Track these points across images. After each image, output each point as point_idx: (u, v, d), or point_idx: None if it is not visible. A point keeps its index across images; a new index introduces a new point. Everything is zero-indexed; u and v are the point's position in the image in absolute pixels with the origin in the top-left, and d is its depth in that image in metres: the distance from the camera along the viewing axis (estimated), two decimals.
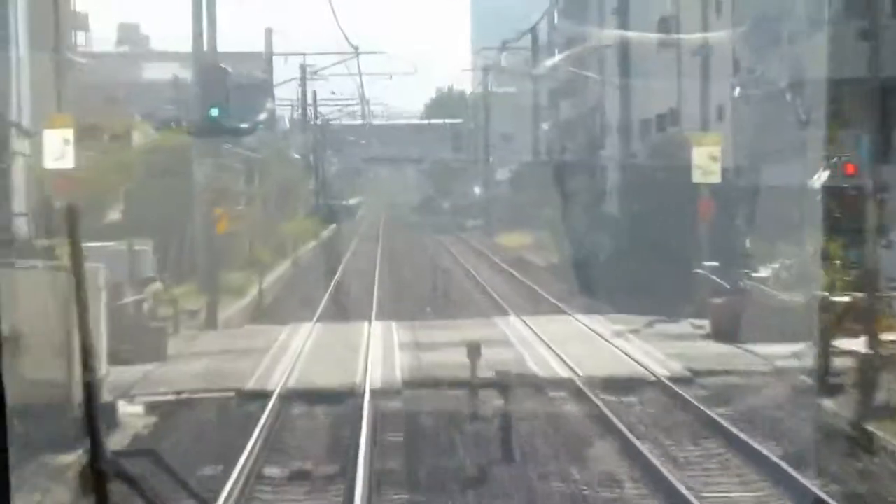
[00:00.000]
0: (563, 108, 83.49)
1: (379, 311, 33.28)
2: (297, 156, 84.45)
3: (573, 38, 73.84)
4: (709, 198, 33.45)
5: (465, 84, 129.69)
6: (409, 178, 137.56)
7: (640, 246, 41.00)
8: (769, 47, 40.24)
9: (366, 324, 29.99)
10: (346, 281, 42.36)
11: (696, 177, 33.03)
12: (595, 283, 38.09)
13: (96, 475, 4.31)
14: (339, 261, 50.51)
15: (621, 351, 25.24)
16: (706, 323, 28.42)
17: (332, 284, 40.67)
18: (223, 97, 32.00)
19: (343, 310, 34.34)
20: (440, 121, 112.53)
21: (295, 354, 25.24)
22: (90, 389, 4.50)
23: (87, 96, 45.83)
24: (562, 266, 45.09)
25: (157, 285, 29.27)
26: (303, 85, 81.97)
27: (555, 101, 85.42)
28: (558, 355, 24.17)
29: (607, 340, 26.83)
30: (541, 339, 26.67)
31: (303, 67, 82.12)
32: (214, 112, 31.76)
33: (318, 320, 31.39)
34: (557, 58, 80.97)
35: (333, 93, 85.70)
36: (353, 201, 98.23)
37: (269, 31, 68.94)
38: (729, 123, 41.98)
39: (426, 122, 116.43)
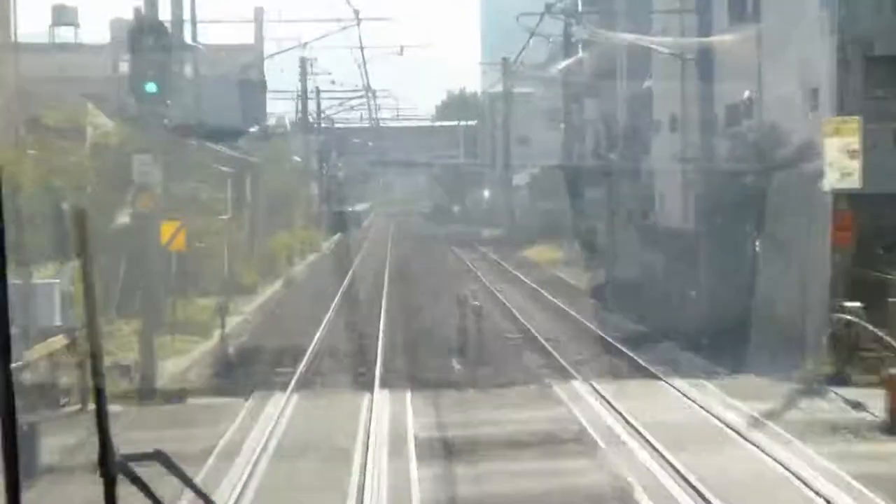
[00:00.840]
0: (588, 106, 73.44)
1: (386, 370, 23.15)
2: (297, 158, 74.57)
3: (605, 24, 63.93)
4: (845, 211, 23.32)
5: (477, 84, 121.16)
6: (420, 183, 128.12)
7: (724, 271, 30.94)
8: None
9: (367, 396, 20.01)
10: (345, 315, 32.33)
11: (832, 180, 22.95)
12: (674, 323, 28.11)
13: (105, 477, 4.18)
14: (339, 283, 40.56)
15: (780, 464, 15.07)
16: (868, 401, 18.45)
17: (325, 322, 30.64)
18: (162, 68, 21.88)
19: (337, 365, 24.30)
20: (452, 123, 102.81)
21: (247, 463, 15.29)
22: (99, 392, 4.22)
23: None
24: (615, 294, 35.10)
25: (57, 340, 19.24)
26: (303, 79, 71.89)
27: (580, 99, 75.37)
28: (685, 478, 14.04)
29: (747, 439, 16.55)
30: (639, 433, 16.55)
31: (302, 60, 72.17)
32: (151, 87, 21.66)
33: (296, 387, 21.29)
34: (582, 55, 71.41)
35: (333, 82, 75.36)
36: (359, 208, 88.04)
37: (259, 11, 58.68)
38: (830, 110, 31.89)
39: (437, 124, 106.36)
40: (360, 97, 76.39)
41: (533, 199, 76.96)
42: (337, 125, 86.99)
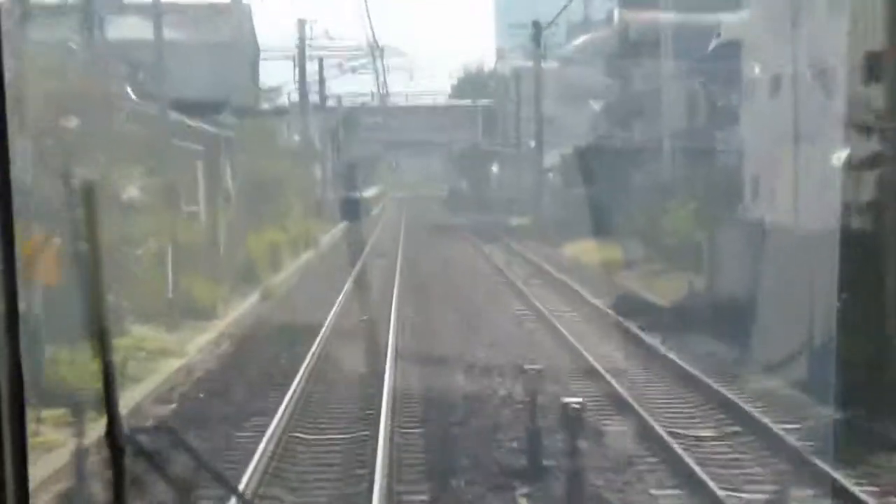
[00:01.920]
0: (640, 72, 61.82)
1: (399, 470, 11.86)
2: (296, 137, 62.97)
3: None
4: None
5: (497, 61, 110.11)
6: (434, 166, 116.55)
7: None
8: None
9: None
10: (334, 368, 20.84)
11: None
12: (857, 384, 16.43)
13: (113, 452, 4.13)
14: (330, 302, 29.16)
15: None
16: None
17: (299, 383, 19.04)
18: None
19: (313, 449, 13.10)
20: (469, 102, 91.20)
21: None
22: (108, 368, 4.19)
23: None
24: (737, 324, 23.31)
25: None
26: (301, 45, 60.08)
27: (627, 64, 63.76)
28: None
29: None
30: None
31: (301, 22, 60.49)
32: None
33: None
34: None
35: (332, 38, 63.44)
36: (367, 194, 76.14)
37: None
38: None
39: (454, 102, 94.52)
40: (365, 56, 64.02)
41: (566, 184, 64.97)
42: (343, 98, 75.09)
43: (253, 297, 31.13)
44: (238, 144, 45.66)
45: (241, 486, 12.29)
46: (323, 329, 24.94)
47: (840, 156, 25.21)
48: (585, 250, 43.00)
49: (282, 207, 47.36)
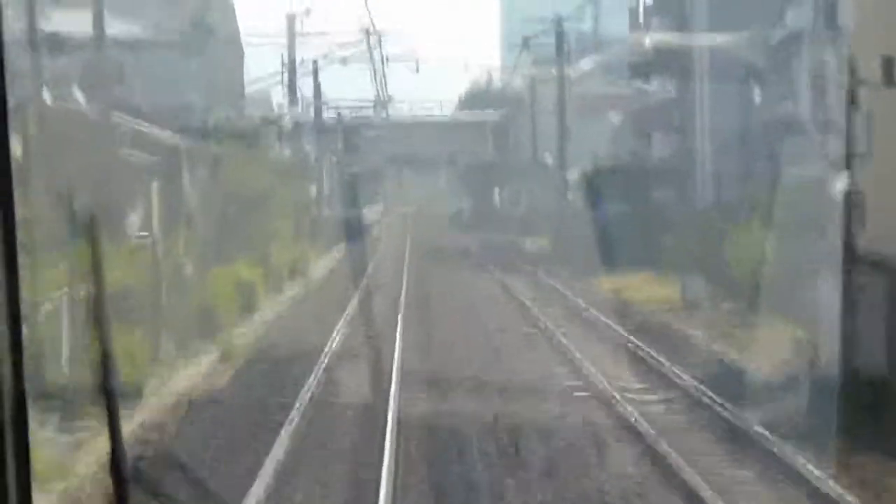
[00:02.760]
0: (667, 83, 53.95)
1: None
2: (288, 149, 54.88)
3: None
4: None
5: (505, 73, 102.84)
6: (440, 182, 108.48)
7: None
8: None
9: None
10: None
11: None
12: None
13: (116, 481, 4.02)
14: (313, 360, 21.05)
15: None
16: None
17: None
18: None
19: None
20: (478, 113, 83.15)
21: None
22: (110, 395, 4.09)
23: None
24: None
25: None
26: (290, 39, 51.77)
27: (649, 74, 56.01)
28: None
29: None
30: None
31: (290, 17, 52.28)
32: None
33: None
34: None
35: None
36: (367, 213, 67.78)
37: None
38: None
39: (461, 116, 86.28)
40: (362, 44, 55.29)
41: (591, 203, 56.54)
42: (340, 104, 66.97)
43: (207, 359, 22.88)
44: (210, 156, 37.66)
45: None
46: (295, 420, 16.83)
47: None
48: (629, 285, 34.78)
49: (264, 231, 39.16)
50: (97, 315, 4.17)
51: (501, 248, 56.92)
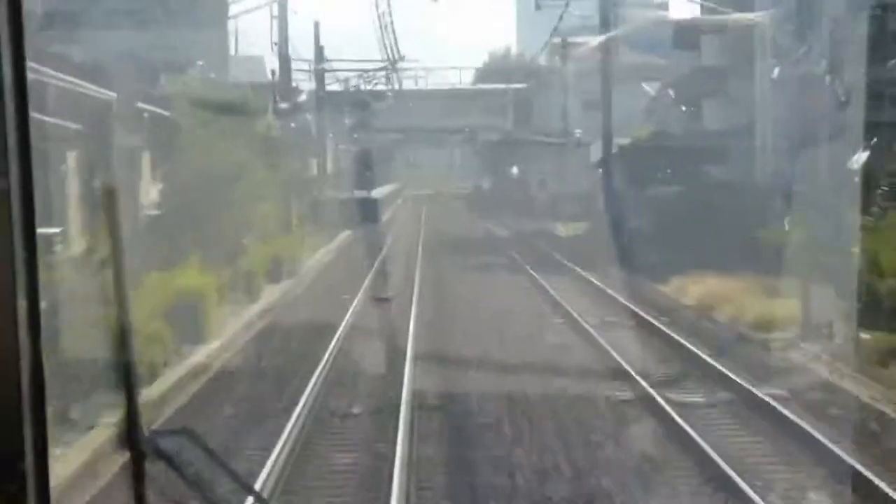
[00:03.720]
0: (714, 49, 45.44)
1: None
2: (276, 123, 46.01)
3: None
4: None
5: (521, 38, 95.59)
6: (455, 159, 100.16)
7: None
8: None
9: None
10: None
11: None
12: None
13: (133, 453, 3.91)
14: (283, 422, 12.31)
15: None
16: None
17: None
18: None
19: None
20: (499, 86, 74.66)
21: None
22: (128, 368, 3.99)
23: None
24: None
25: None
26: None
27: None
28: None
29: None
30: None
31: None
32: None
33: None
34: None
35: None
36: (376, 194, 58.91)
37: None
38: None
39: (480, 86, 77.83)
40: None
41: (631, 182, 47.56)
42: (344, 69, 58.33)
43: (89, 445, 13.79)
44: (167, 125, 28.97)
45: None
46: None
47: None
48: (715, 293, 25.77)
49: (239, 219, 30.35)
50: (116, 289, 3.96)
51: (531, 236, 48.36)
